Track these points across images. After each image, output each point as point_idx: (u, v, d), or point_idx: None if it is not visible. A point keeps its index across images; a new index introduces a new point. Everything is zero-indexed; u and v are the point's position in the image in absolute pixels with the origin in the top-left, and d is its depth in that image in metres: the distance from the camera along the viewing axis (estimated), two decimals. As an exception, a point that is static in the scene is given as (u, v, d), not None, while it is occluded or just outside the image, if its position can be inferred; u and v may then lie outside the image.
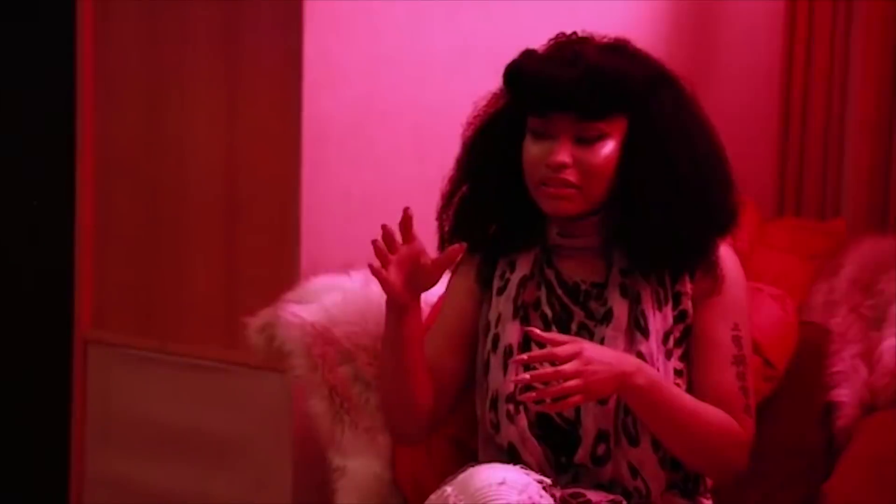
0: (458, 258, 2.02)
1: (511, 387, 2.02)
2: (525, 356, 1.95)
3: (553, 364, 1.92)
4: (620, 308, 2.03)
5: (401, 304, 2.01)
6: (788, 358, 2.44)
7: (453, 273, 2.18)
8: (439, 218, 2.14)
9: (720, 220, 2.05)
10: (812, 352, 2.43)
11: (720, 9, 3.23)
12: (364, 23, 2.63)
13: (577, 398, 1.91)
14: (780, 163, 3.13)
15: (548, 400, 1.91)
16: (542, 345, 1.96)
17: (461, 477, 1.91)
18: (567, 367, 1.90)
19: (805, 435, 2.38)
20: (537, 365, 1.95)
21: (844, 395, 2.36)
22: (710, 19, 3.24)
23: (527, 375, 1.92)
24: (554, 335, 1.98)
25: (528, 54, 2.05)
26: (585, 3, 2.90)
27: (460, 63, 2.75)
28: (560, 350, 1.92)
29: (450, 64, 2.75)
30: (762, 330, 2.39)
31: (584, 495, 1.98)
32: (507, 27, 2.77)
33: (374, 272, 1.99)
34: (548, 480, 1.94)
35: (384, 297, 2.04)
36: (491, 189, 2.08)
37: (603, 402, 2.01)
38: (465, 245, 2.00)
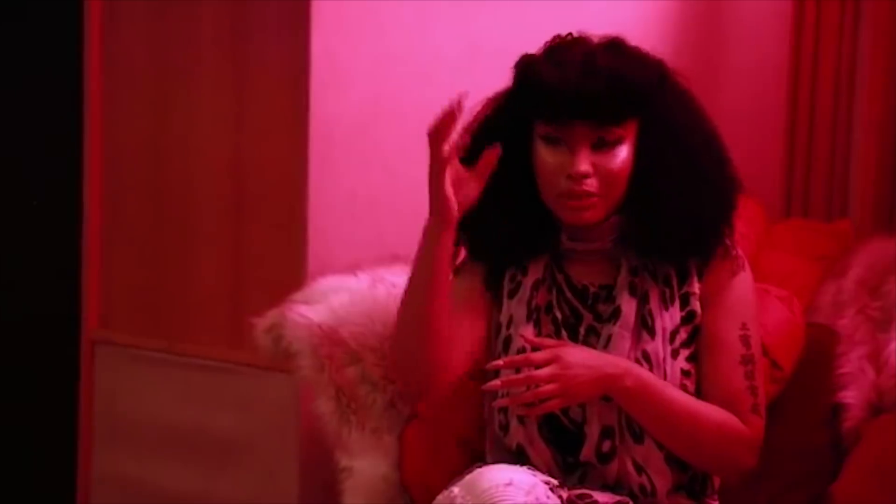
0: (495, 160, 1.98)
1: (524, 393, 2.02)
2: (500, 361, 2.01)
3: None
4: (629, 306, 2.04)
5: (448, 218, 1.96)
6: (796, 359, 2.44)
7: (454, 276, 2.16)
8: None
9: (729, 212, 2.06)
10: (819, 353, 2.43)
11: (727, 8, 3.23)
12: (371, 24, 2.63)
13: (554, 402, 1.97)
14: (787, 164, 3.13)
15: (522, 405, 1.98)
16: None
17: (468, 478, 1.91)
18: (540, 372, 1.96)
19: (812, 436, 2.38)
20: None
21: (852, 396, 2.36)
22: (717, 18, 3.23)
23: (497, 382, 1.98)
24: (543, 339, 2.03)
25: (533, 61, 2.03)
26: (593, 3, 2.89)
27: (467, 63, 2.75)
28: (535, 355, 1.98)
29: (457, 64, 2.75)
30: (769, 331, 2.39)
31: (590, 496, 1.98)
32: (514, 27, 2.77)
33: (439, 138, 1.92)
34: (555, 481, 1.94)
35: (430, 220, 1.99)
36: (498, 198, 2.06)
37: (607, 398, 2.02)
38: (498, 150, 1.97)
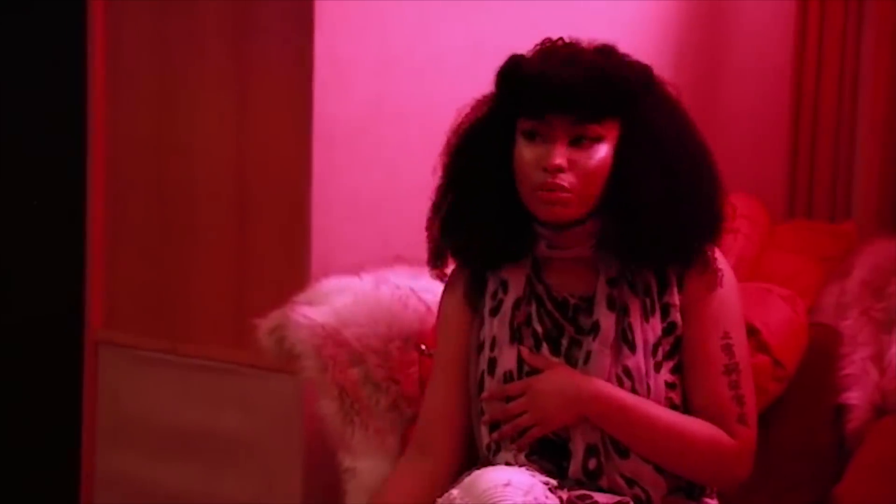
0: None
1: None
2: (485, 394, 2.06)
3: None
4: (607, 321, 2.02)
5: None
6: (798, 358, 2.44)
7: (444, 292, 2.17)
8: (428, 229, 2.12)
9: (711, 222, 2.04)
10: (822, 354, 2.43)
11: (730, 8, 3.23)
12: (374, 24, 2.63)
13: (534, 431, 2.01)
14: (790, 164, 3.12)
15: (507, 439, 2.03)
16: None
17: (467, 480, 1.91)
18: (512, 405, 2.03)
19: (814, 437, 2.38)
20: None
21: (855, 397, 2.35)
22: (721, 19, 3.23)
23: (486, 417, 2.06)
24: (539, 358, 2.04)
25: (519, 57, 2.03)
26: (596, 3, 2.89)
27: (471, 63, 2.74)
28: (509, 388, 2.04)
29: (460, 64, 2.75)
30: (772, 330, 2.39)
31: (591, 497, 1.98)
32: (517, 27, 2.76)
33: None
34: (553, 482, 1.94)
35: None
36: (479, 199, 2.06)
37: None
38: None
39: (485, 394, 2.06)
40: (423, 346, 2.38)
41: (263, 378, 2.67)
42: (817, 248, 2.71)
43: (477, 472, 1.91)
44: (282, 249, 2.64)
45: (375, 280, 2.44)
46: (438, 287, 2.22)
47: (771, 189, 3.09)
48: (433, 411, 2.12)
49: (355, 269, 2.47)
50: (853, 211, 3.03)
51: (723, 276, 2.05)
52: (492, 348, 2.07)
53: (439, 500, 1.91)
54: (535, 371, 2.04)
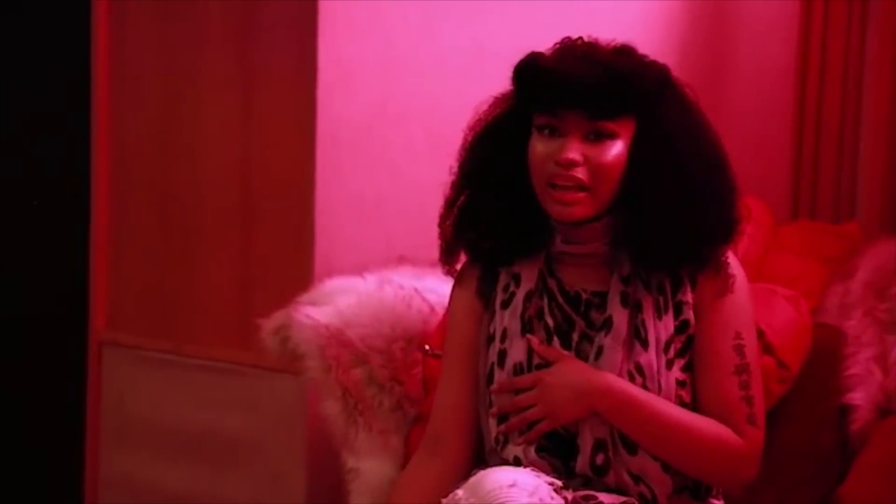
0: None
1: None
2: (495, 386, 2.05)
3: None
4: (620, 317, 2.02)
5: None
6: (802, 359, 2.44)
7: (454, 286, 2.16)
8: (441, 226, 2.11)
9: (725, 225, 2.04)
10: (826, 354, 2.43)
11: (735, 9, 3.23)
12: (378, 25, 2.63)
13: (543, 425, 2.01)
14: (794, 165, 3.12)
15: (516, 432, 2.02)
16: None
17: (472, 480, 1.91)
18: (522, 398, 2.02)
19: (818, 438, 2.38)
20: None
21: (859, 398, 2.35)
22: (725, 20, 3.23)
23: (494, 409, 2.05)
24: (548, 349, 2.03)
25: (536, 53, 2.04)
26: (600, 4, 2.89)
27: (474, 65, 2.75)
28: (519, 381, 2.03)
29: (464, 66, 2.75)
30: (776, 331, 2.38)
31: (595, 497, 1.98)
32: (521, 28, 2.77)
33: None
34: (559, 482, 1.94)
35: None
36: (494, 195, 2.06)
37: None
38: None
39: (494, 385, 2.05)
40: (427, 347, 2.38)
41: (267, 378, 2.67)
42: (821, 249, 2.70)
43: (482, 473, 1.91)
44: (285, 250, 2.64)
45: (379, 280, 2.44)
46: (442, 287, 2.21)
47: (775, 190, 3.09)
48: (445, 408, 2.11)
49: (359, 270, 2.47)
50: (857, 212, 3.03)
51: (735, 280, 2.05)
52: (502, 340, 2.07)
53: (444, 501, 1.91)
54: (544, 364, 2.04)
